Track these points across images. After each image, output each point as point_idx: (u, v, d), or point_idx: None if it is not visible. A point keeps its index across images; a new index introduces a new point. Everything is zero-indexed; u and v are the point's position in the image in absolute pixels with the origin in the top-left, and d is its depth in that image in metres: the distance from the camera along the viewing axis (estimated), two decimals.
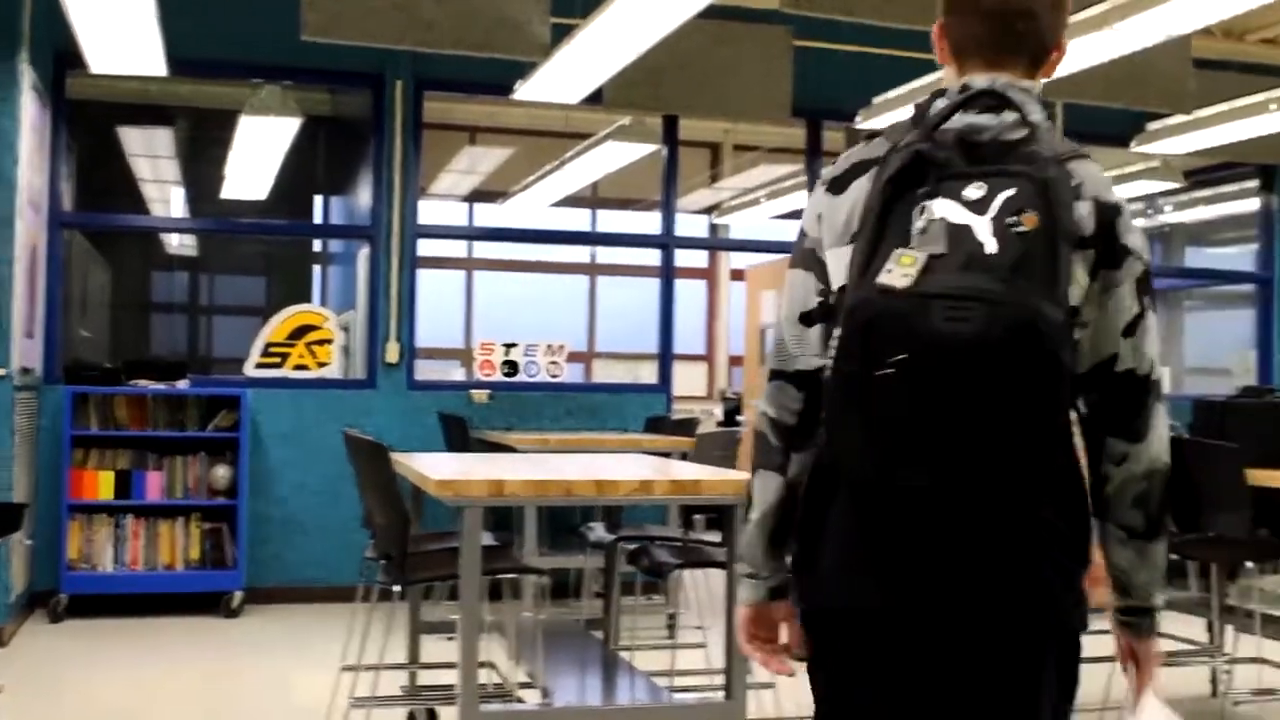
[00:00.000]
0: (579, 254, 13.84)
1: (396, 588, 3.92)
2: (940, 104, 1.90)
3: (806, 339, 1.98)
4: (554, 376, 8.35)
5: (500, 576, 4.32)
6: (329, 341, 8.03)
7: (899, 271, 1.73)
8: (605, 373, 13.11)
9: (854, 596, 1.89)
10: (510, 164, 11.96)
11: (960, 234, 1.74)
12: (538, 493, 3.66)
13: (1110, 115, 8.41)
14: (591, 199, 12.82)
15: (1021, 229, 1.73)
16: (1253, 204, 10.22)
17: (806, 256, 2.00)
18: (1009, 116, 1.85)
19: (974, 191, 1.77)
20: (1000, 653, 1.85)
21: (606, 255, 13.80)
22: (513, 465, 4.50)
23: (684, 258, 11.51)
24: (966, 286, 1.70)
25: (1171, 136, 8.35)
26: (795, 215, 10.17)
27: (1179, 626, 5.76)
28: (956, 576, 1.82)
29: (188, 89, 9.77)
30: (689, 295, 13.78)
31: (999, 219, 1.74)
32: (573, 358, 13.20)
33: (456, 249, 13.25)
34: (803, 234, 2.03)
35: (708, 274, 14.41)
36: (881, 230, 1.80)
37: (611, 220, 13.24)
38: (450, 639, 4.22)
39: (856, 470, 1.81)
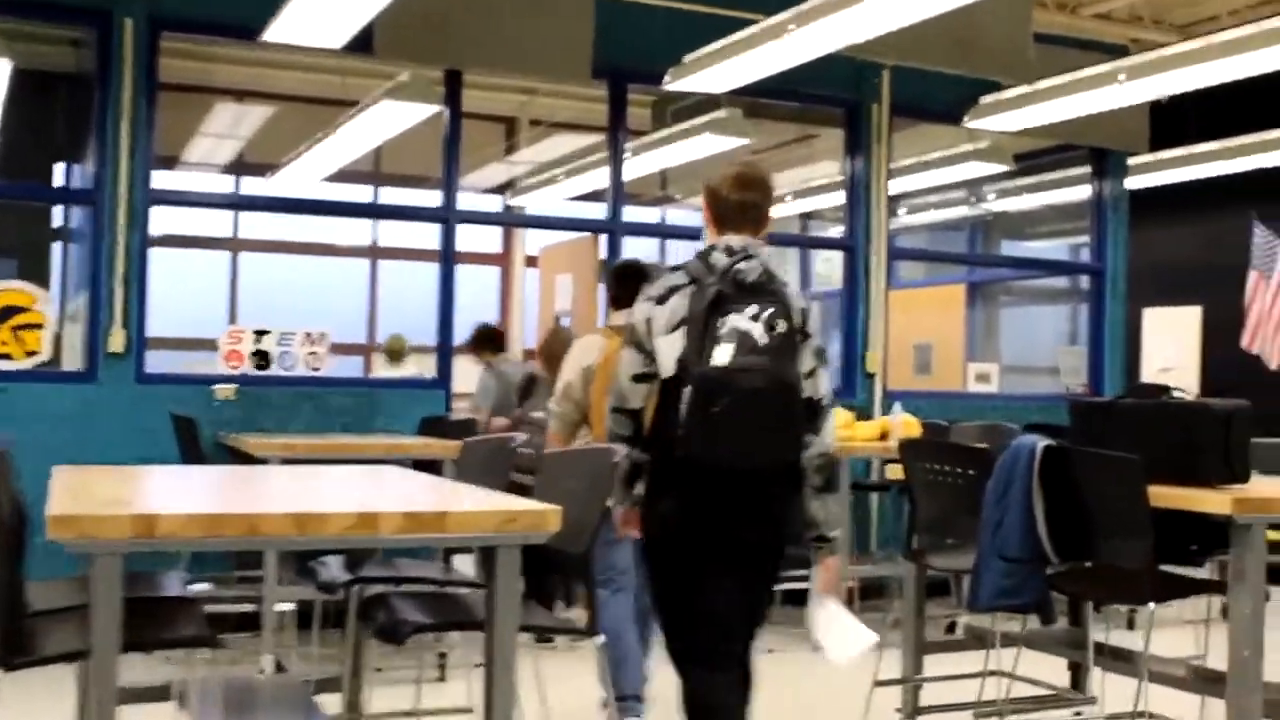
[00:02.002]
0: (360, 236, 12.55)
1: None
2: (720, 258, 3.53)
3: (637, 390, 3.57)
4: (314, 369, 7.14)
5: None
6: (39, 326, 6.71)
7: (721, 357, 3.39)
8: (388, 367, 11.91)
9: (689, 523, 3.52)
10: (281, 134, 10.62)
11: (747, 334, 3.41)
12: (207, 532, 2.53)
13: (942, 91, 7.81)
14: (374, 174, 11.59)
15: (777, 329, 3.44)
16: (1084, 191, 9.58)
17: (638, 343, 3.57)
18: (754, 264, 3.50)
19: (750, 309, 3.44)
20: (764, 553, 3.62)
21: (390, 237, 12.50)
22: (210, 487, 3.37)
23: (476, 241, 10.39)
24: (753, 362, 3.40)
25: (1007, 111, 7.64)
26: (596, 196, 9.26)
27: (1038, 669, 4.91)
28: (748, 512, 3.52)
29: None
30: (482, 282, 12.65)
31: (765, 325, 3.43)
32: (350, 350, 12.06)
33: (220, 227, 11.80)
34: (634, 329, 3.59)
35: (502, 259, 13.28)
36: (703, 333, 3.41)
37: (396, 198, 11.95)
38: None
39: (701, 457, 3.40)
